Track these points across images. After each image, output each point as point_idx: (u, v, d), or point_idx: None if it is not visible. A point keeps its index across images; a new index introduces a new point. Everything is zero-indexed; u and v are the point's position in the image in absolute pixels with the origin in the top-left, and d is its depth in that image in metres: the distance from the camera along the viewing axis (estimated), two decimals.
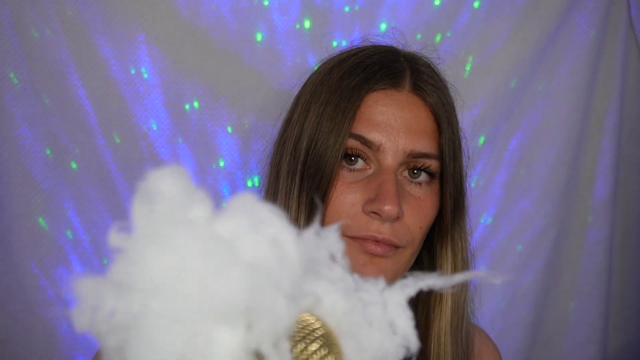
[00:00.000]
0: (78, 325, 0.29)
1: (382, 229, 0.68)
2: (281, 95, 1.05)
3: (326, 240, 0.33)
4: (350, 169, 0.71)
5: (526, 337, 1.20)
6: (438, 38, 1.11)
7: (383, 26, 1.09)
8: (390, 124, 0.71)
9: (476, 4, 1.12)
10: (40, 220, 0.97)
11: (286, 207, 0.75)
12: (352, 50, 0.79)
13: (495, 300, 1.18)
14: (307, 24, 1.06)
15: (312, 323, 0.31)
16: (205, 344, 0.27)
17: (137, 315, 0.27)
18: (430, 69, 0.77)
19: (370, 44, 0.81)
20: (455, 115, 0.76)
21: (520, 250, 1.19)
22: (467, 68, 1.13)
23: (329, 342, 0.31)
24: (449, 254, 0.77)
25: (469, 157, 0.82)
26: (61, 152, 0.97)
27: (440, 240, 0.77)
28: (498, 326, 1.18)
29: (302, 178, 0.72)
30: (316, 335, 0.30)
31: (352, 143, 0.70)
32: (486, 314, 1.15)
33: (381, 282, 0.35)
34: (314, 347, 0.30)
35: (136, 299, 0.28)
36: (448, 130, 0.72)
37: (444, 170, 0.73)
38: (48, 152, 0.97)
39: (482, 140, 1.14)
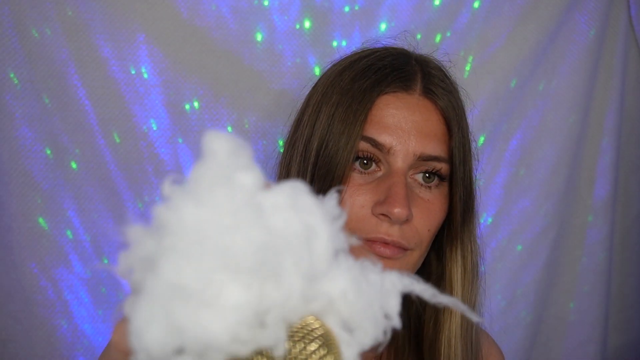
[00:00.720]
0: (120, 270, 0.32)
1: (391, 232, 0.68)
2: (281, 95, 1.05)
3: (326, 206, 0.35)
4: (362, 172, 0.71)
5: (526, 337, 1.20)
6: (438, 38, 1.11)
7: (383, 26, 1.09)
8: (401, 126, 0.71)
9: (476, 4, 1.12)
10: (40, 220, 0.97)
11: None
12: (363, 51, 0.79)
13: (495, 300, 1.18)
14: (307, 24, 1.06)
15: (311, 323, 0.31)
16: (215, 293, 0.29)
17: (162, 252, 0.30)
18: (441, 72, 0.77)
19: (382, 45, 0.82)
20: (466, 119, 0.77)
21: (520, 250, 1.19)
22: (467, 68, 1.13)
23: (328, 342, 0.31)
24: (459, 257, 0.77)
25: (477, 160, 0.82)
26: (61, 152, 0.97)
27: (449, 243, 0.77)
28: (498, 326, 1.18)
29: (312, 179, 0.73)
30: (315, 335, 0.30)
31: (363, 145, 0.71)
32: (486, 314, 1.15)
33: (379, 266, 0.35)
34: (312, 347, 0.30)
35: (167, 240, 0.30)
36: (458, 134, 0.73)
37: (454, 173, 0.73)
38: (48, 152, 0.97)
39: (482, 140, 1.14)
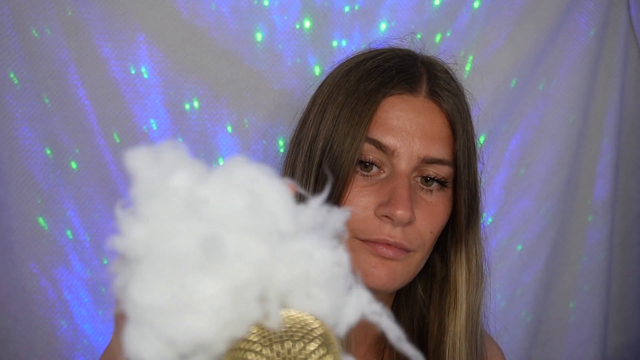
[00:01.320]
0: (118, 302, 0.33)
1: (393, 233, 0.69)
2: (281, 95, 1.05)
3: (332, 215, 0.35)
4: (364, 174, 0.71)
5: (526, 337, 1.20)
6: (438, 38, 1.11)
7: (383, 26, 1.09)
8: (405, 128, 0.71)
9: (476, 4, 1.12)
10: (40, 220, 0.97)
11: None
12: (370, 52, 0.79)
13: (495, 300, 1.18)
14: (307, 24, 1.06)
15: (311, 323, 0.31)
16: (185, 296, 0.30)
17: (129, 279, 0.32)
18: (447, 75, 0.77)
19: (388, 46, 0.82)
20: (471, 122, 0.77)
21: (520, 250, 1.19)
22: (467, 68, 1.13)
23: (327, 341, 0.31)
24: (463, 259, 0.77)
25: (483, 164, 0.82)
26: (61, 152, 0.97)
27: (454, 245, 0.77)
28: (498, 326, 1.18)
29: (316, 179, 0.73)
30: (314, 334, 0.30)
31: (367, 147, 0.71)
32: (486, 314, 1.15)
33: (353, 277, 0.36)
34: (312, 346, 0.30)
35: (130, 266, 0.32)
36: (463, 137, 0.73)
37: (458, 176, 0.73)
38: (48, 152, 0.97)
39: (482, 140, 1.14)
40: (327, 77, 0.79)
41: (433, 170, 0.72)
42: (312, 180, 0.73)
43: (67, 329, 0.99)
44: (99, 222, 1.00)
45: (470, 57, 1.13)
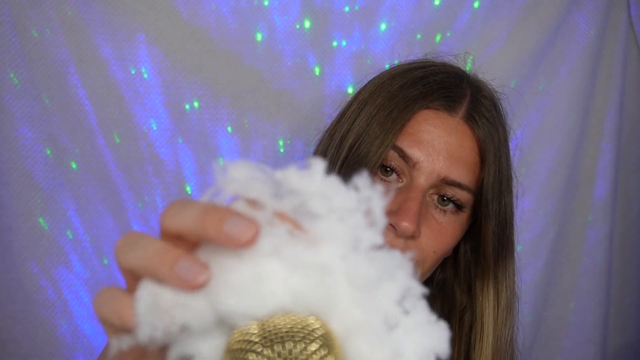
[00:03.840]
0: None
1: (394, 243, 0.68)
2: (281, 95, 1.05)
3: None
4: (382, 179, 0.71)
5: (526, 337, 1.20)
6: (438, 38, 1.11)
7: (383, 26, 1.09)
8: (433, 144, 0.70)
9: (476, 4, 1.12)
10: (41, 220, 0.97)
11: None
12: (421, 62, 0.79)
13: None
14: (307, 24, 1.06)
15: (312, 323, 0.31)
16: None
17: None
18: (490, 102, 0.76)
19: (442, 61, 0.81)
20: (507, 155, 0.75)
21: (520, 250, 1.19)
22: (467, 68, 1.13)
23: (328, 342, 0.31)
24: (491, 292, 0.76)
25: (517, 197, 0.81)
26: (61, 152, 0.97)
27: (480, 276, 0.76)
28: None
29: (339, 173, 0.73)
30: (316, 335, 0.30)
31: (392, 154, 0.70)
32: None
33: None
34: (313, 347, 0.30)
35: None
36: (493, 167, 0.71)
37: (484, 206, 0.72)
38: (48, 152, 0.97)
39: None
40: (375, 77, 0.80)
41: (451, 192, 0.71)
42: (335, 173, 0.73)
43: (67, 329, 0.99)
44: (99, 222, 1.00)
45: (470, 57, 1.13)
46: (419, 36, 1.09)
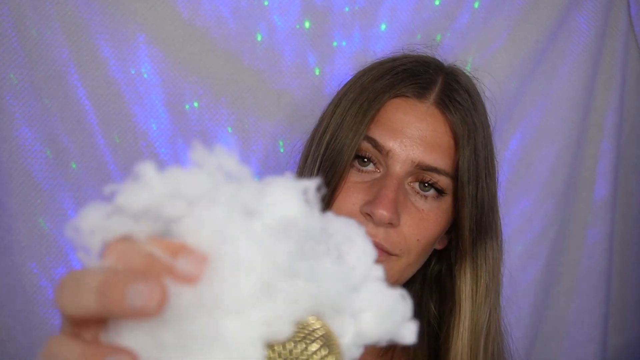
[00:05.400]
0: None
1: (375, 232, 0.68)
2: (281, 95, 1.05)
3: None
4: (360, 170, 0.72)
5: (526, 337, 1.20)
6: (438, 38, 1.11)
7: (383, 26, 1.09)
8: (404, 131, 0.71)
9: (476, 4, 1.12)
10: (40, 220, 0.97)
11: None
12: (395, 55, 0.80)
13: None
14: (307, 24, 1.06)
15: (312, 323, 0.31)
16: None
17: None
18: (463, 87, 0.76)
19: (418, 54, 0.82)
20: (485, 137, 0.75)
21: (520, 250, 1.19)
22: (467, 68, 1.13)
23: (329, 342, 0.31)
24: (468, 275, 0.76)
25: (499, 182, 0.81)
26: (61, 152, 0.97)
27: (458, 259, 0.76)
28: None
29: (318, 171, 0.74)
30: (316, 335, 0.30)
31: (365, 145, 0.71)
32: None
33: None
34: (314, 347, 0.30)
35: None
36: (467, 150, 0.71)
37: (460, 189, 0.72)
38: (48, 152, 0.97)
39: None
40: (354, 75, 0.81)
41: (429, 177, 0.71)
42: (315, 171, 0.74)
43: None
44: None
45: (470, 57, 1.13)
46: (419, 36, 1.09)
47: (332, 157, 0.72)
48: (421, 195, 0.71)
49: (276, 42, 1.05)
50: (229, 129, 1.04)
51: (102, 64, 0.97)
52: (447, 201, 0.73)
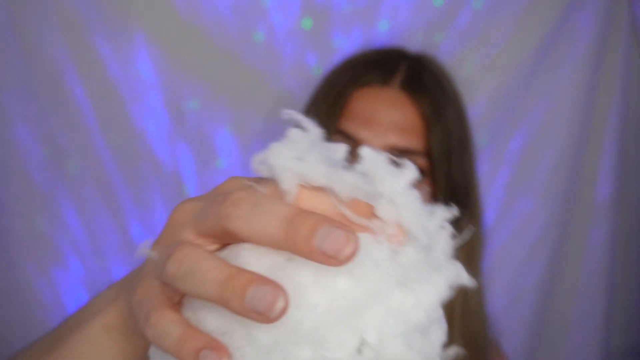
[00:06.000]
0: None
1: None
2: (281, 95, 1.05)
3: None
4: None
5: (528, 338, 1.19)
6: (438, 38, 1.11)
7: (383, 26, 1.09)
8: (373, 119, 0.71)
9: (477, 4, 1.11)
10: (38, 220, 0.96)
11: None
12: (359, 50, 0.82)
13: (496, 301, 1.18)
14: (307, 24, 1.06)
15: None
16: None
17: None
18: (428, 69, 0.77)
19: (380, 45, 0.83)
20: (455, 113, 0.75)
21: (521, 252, 1.19)
22: (468, 68, 1.13)
23: None
24: None
25: (475, 162, 0.81)
26: (60, 152, 0.97)
27: None
28: (499, 327, 1.17)
29: None
30: None
31: (338, 139, 0.72)
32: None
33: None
34: None
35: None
36: (438, 128, 0.72)
37: (432, 166, 0.72)
38: (46, 152, 0.97)
39: (483, 140, 1.14)
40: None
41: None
42: None
43: None
44: (97, 222, 0.99)
45: (471, 57, 1.13)
46: (419, 36, 1.09)
47: None
48: None
49: (276, 42, 1.04)
50: (229, 129, 1.04)
51: (101, 63, 0.97)
52: (428, 180, 0.74)
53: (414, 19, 1.09)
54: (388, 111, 0.72)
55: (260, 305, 0.24)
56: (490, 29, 1.12)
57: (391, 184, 0.28)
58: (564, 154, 1.18)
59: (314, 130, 0.30)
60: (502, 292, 1.18)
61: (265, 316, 0.24)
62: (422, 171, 0.72)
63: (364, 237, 0.27)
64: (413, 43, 1.09)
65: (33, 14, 0.94)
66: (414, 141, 0.71)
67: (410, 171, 0.29)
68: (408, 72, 0.75)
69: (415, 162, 0.70)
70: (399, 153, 0.70)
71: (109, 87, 0.98)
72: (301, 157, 0.28)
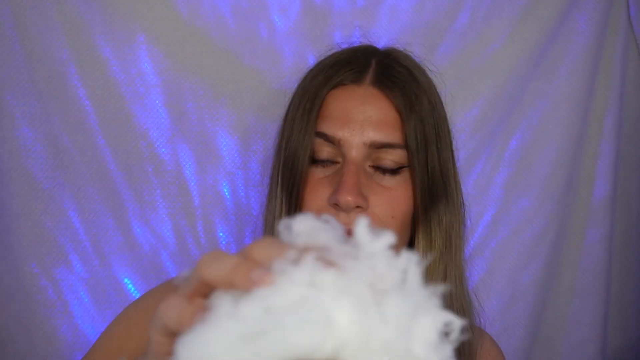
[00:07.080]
0: None
1: (349, 220, 0.69)
2: (281, 95, 1.05)
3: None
4: (322, 166, 0.74)
5: (525, 337, 1.20)
6: (437, 38, 1.11)
7: (383, 26, 1.09)
8: (349, 118, 0.72)
9: (476, 4, 1.12)
10: (41, 220, 0.97)
11: (272, 207, 0.79)
12: (332, 53, 0.82)
13: (495, 300, 1.18)
14: (307, 24, 1.06)
15: None
16: None
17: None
18: (398, 62, 0.78)
19: (348, 46, 0.85)
20: (428, 102, 0.76)
21: (519, 250, 1.19)
22: (467, 68, 1.13)
23: None
24: (421, 244, 0.76)
25: (457, 149, 0.82)
26: (61, 152, 0.97)
27: (416, 227, 0.76)
28: (497, 326, 1.18)
29: (282, 180, 0.76)
30: None
31: (318, 141, 0.73)
32: (486, 314, 1.15)
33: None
34: None
35: None
36: (412, 119, 0.72)
37: (409, 157, 0.73)
38: (48, 152, 0.97)
39: (482, 140, 1.14)
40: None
41: (389, 158, 0.72)
42: (280, 179, 0.76)
43: (67, 329, 0.99)
44: (99, 222, 1.00)
45: (470, 58, 1.13)
46: (418, 36, 1.09)
47: (290, 162, 0.74)
48: (386, 173, 0.72)
49: (276, 42, 1.05)
50: (229, 129, 1.04)
51: (102, 64, 0.97)
52: (408, 173, 0.74)
53: (413, 19, 1.10)
54: (362, 108, 0.73)
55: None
56: (489, 29, 1.13)
57: (371, 245, 0.34)
58: (561, 154, 1.18)
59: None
60: (500, 291, 1.19)
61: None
62: (402, 164, 0.73)
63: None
64: (413, 43, 1.09)
65: (35, 16, 0.94)
66: (392, 134, 0.72)
67: (388, 237, 0.34)
68: (378, 68, 0.76)
69: (395, 155, 0.72)
70: (377, 148, 0.72)
71: (111, 87, 0.98)
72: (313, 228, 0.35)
